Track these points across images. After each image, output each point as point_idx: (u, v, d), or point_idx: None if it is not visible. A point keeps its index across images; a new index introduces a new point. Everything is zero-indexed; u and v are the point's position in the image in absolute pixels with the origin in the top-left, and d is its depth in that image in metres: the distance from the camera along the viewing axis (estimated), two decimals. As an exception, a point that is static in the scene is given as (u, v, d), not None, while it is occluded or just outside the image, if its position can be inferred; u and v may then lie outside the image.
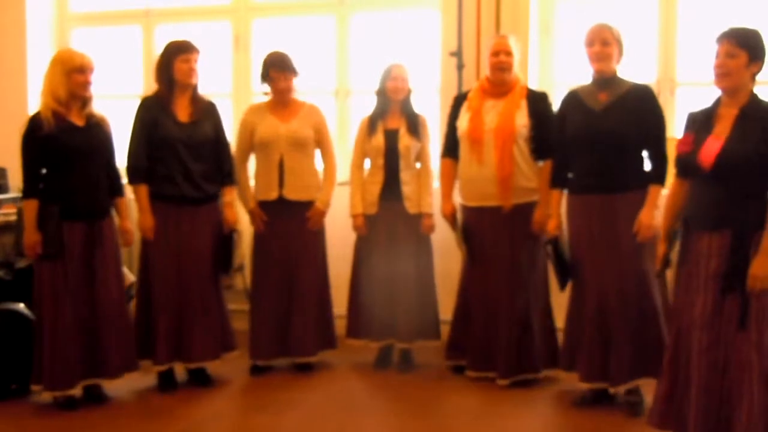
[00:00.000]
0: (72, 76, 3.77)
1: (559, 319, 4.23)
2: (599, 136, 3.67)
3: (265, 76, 4.35)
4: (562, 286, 3.90)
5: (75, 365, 3.84)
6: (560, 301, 4.18)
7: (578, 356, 3.84)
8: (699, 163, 3.04)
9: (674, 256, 3.30)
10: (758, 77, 3.07)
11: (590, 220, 3.73)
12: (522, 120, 4.09)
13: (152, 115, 4.08)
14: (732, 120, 3.03)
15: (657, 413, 3.21)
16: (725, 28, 3.06)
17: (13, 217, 4.60)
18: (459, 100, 4.32)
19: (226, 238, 4.22)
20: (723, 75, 3.02)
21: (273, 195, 4.34)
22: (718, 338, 3.01)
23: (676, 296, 3.22)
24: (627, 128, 3.63)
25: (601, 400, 3.83)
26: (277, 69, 4.32)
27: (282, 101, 4.38)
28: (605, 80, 3.73)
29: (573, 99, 3.83)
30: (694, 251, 3.10)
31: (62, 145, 3.76)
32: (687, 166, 3.13)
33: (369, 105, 4.62)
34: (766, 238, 2.91)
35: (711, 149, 3.02)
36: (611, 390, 3.78)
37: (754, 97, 3.04)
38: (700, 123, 3.13)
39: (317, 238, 4.44)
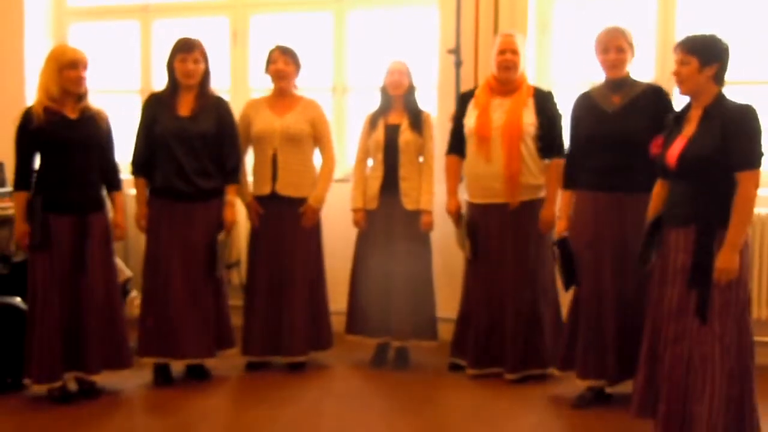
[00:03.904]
0: (63, 72, 3.78)
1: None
2: (612, 137, 3.70)
3: (268, 62, 4.36)
4: (567, 287, 3.90)
5: (60, 358, 3.83)
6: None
7: (576, 354, 3.84)
8: (666, 163, 3.18)
9: None
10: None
11: (597, 217, 3.75)
12: (529, 118, 4.11)
13: (153, 111, 4.13)
14: (697, 120, 3.15)
15: (636, 403, 3.31)
16: (680, 38, 3.20)
17: (11, 211, 4.60)
18: (466, 98, 4.33)
19: (213, 240, 4.18)
20: (679, 83, 3.18)
21: (266, 190, 4.33)
22: (684, 331, 3.10)
23: (651, 290, 3.33)
24: (640, 130, 3.65)
25: (599, 399, 3.83)
26: (281, 51, 4.33)
27: (280, 94, 4.38)
28: (618, 83, 3.76)
29: (586, 101, 3.86)
30: (665, 246, 3.22)
31: (52, 138, 3.77)
32: (658, 166, 3.27)
33: (367, 102, 4.62)
34: (730, 232, 3.02)
35: (675, 149, 3.15)
36: (607, 389, 3.78)
37: (718, 98, 3.14)
38: (673, 125, 3.26)
39: (311, 235, 4.42)
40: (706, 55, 3.10)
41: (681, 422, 3.10)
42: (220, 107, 4.21)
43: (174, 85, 4.14)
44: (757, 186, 3.06)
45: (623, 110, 3.72)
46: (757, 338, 3.25)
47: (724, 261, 3.02)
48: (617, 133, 3.69)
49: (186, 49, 4.08)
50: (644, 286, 3.66)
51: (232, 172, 4.23)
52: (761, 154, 3.07)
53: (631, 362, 3.68)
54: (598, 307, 3.76)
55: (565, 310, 4.19)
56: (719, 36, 3.14)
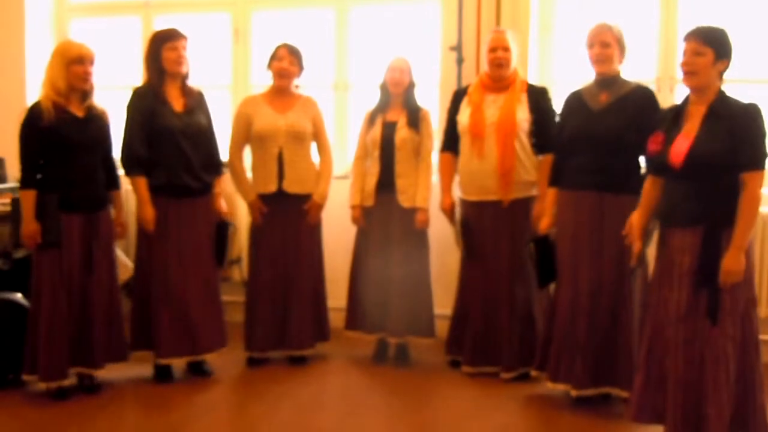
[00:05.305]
0: (71, 68, 3.76)
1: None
2: (597, 136, 3.67)
3: (273, 58, 4.35)
4: (543, 284, 3.89)
5: (67, 356, 3.83)
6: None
7: (547, 356, 3.84)
8: (669, 161, 3.10)
9: (650, 253, 3.38)
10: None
11: (578, 216, 3.72)
12: (523, 114, 4.10)
13: (147, 105, 4.03)
14: (701, 118, 3.08)
15: (634, 405, 3.26)
16: (692, 27, 3.11)
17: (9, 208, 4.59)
18: (459, 95, 4.32)
19: (220, 231, 4.21)
20: (690, 73, 3.08)
21: (272, 188, 4.33)
22: (695, 333, 3.06)
23: (651, 291, 3.28)
24: (625, 129, 3.63)
25: (599, 400, 3.81)
26: (288, 50, 4.33)
27: (279, 91, 4.38)
28: (607, 81, 3.73)
29: (576, 99, 3.84)
30: (668, 248, 3.16)
31: (62, 136, 3.74)
32: (658, 164, 3.20)
33: (368, 99, 4.62)
34: (737, 233, 2.97)
35: (680, 148, 3.08)
36: (573, 393, 3.74)
37: (721, 95, 3.08)
38: (670, 121, 3.19)
39: (314, 231, 4.44)
40: (721, 48, 3.05)
41: (694, 424, 3.04)
42: (203, 101, 4.22)
43: (161, 77, 4.07)
44: (762, 186, 3.02)
45: (608, 109, 3.69)
46: (760, 337, 3.23)
47: (731, 263, 2.98)
48: (602, 132, 3.66)
49: (174, 37, 4.05)
50: (623, 288, 3.65)
51: (220, 165, 4.26)
52: (766, 155, 3.03)
53: (599, 369, 3.69)
54: (573, 309, 3.72)
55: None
56: (727, 32, 3.10)
